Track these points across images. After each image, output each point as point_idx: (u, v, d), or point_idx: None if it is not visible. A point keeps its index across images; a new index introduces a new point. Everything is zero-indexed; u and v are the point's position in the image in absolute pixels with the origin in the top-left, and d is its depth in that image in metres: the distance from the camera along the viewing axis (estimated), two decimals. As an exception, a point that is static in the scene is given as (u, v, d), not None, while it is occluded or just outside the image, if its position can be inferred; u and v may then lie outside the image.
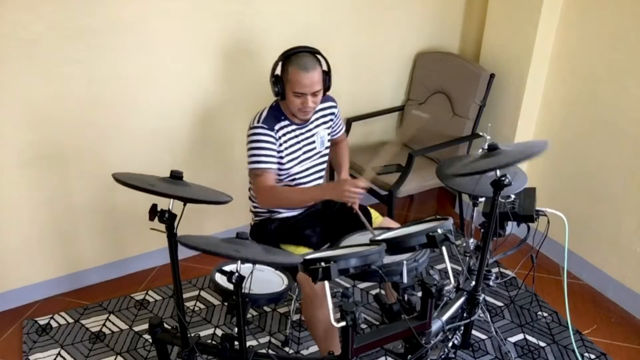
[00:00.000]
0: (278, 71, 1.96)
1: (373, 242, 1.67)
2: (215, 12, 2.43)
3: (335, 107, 2.17)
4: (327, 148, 2.17)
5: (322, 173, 2.19)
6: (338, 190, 1.89)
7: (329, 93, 2.11)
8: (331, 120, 2.16)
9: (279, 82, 1.95)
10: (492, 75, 2.80)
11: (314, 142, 2.10)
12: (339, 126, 2.24)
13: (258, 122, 1.98)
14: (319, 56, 1.95)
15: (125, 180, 1.50)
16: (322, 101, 2.08)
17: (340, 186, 1.89)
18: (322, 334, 1.97)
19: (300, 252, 1.97)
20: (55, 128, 2.32)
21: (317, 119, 2.10)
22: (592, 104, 2.53)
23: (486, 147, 1.69)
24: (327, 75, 1.99)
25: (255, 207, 2.18)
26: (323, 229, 2.14)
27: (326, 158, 2.20)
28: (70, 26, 2.17)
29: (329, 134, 2.17)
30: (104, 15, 2.21)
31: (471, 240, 2.05)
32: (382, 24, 2.89)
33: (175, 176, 1.64)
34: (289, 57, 1.92)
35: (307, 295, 1.90)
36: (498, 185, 1.67)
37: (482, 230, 1.86)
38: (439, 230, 1.57)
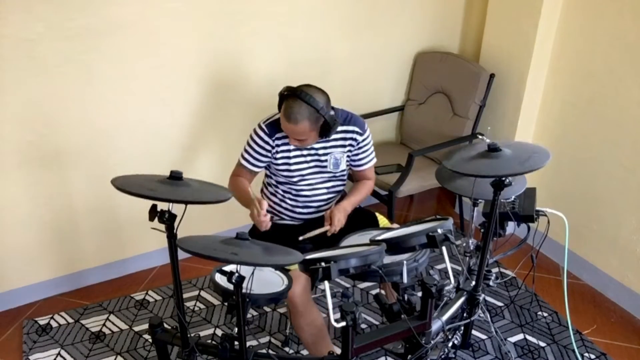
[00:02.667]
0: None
1: (373, 242, 1.67)
2: (216, 12, 2.43)
3: (360, 134, 2.01)
4: (342, 172, 2.08)
5: (331, 196, 2.11)
6: (250, 212, 1.85)
7: (351, 109, 2.05)
8: (351, 145, 2.03)
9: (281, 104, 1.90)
10: (492, 75, 2.80)
11: (325, 160, 2.03)
12: (362, 157, 2.08)
13: (264, 122, 1.99)
14: (315, 105, 1.81)
15: (125, 188, 1.50)
16: (349, 123, 2.00)
17: (251, 210, 1.84)
18: (309, 340, 1.97)
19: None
20: (55, 128, 2.32)
21: (334, 139, 2.01)
22: (592, 104, 2.53)
23: (486, 147, 1.69)
24: (325, 124, 1.85)
25: None
26: (320, 237, 2.11)
27: (341, 182, 2.12)
28: (70, 26, 2.17)
29: (348, 158, 2.06)
30: (103, 15, 2.21)
31: (471, 240, 2.05)
32: (382, 24, 2.89)
33: (175, 176, 1.63)
34: (287, 96, 1.83)
35: (290, 308, 1.90)
36: (498, 185, 1.67)
37: (482, 230, 1.86)
38: (439, 230, 1.57)
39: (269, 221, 1.83)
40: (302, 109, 1.80)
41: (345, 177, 2.13)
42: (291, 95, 1.83)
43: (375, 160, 2.15)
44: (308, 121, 1.82)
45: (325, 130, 1.88)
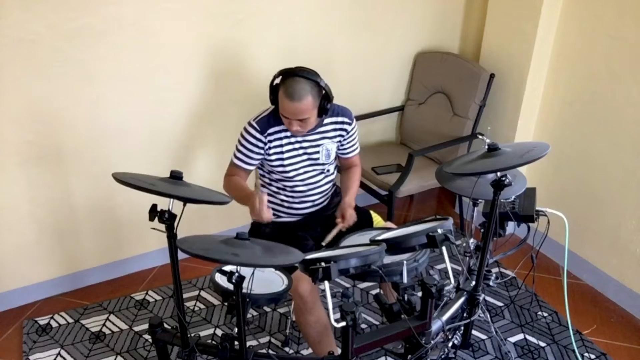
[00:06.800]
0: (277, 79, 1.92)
1: (373, 242, 1.67)
2: (215, 12, 2.43)
3: (349, 124, 2.07)
4: (333, 162, 2.13)
5: (326, 187, 2.14)
6: (249, 206, 1.84)
7: (349, 107, 2.09)
8: (341, 136, 2.08)
9: (274, 94, 1.90)
10: (492, 75, 2.80)
11: (317, 152, 2.05)
12: (351, 145, 2.15)
13: (254, 120, 1.99)
14: (315, 79, 1.84)
15: (125, 180, 1.50)
16: (338, 114, 2.04)
17: (251, 203, 1.82)
18: (316, 338, 1.97)
19: None
20: (55, 128, 2.32)
21: (325, 131, 2.04)
22: (592, 104, 2.53)
23: (486, 147, 1.69)
24: (324, 98, 1.88)
25: None
26: (320, 232, 2.13)
27: (331, 173, 2.16)
28: (70, 26, 2.17)
29: (337, 149, 2.12)
30: (103, 15, 2.21)
31: (471, 240, 2.05)
32: (382, 24, 2.89)
33: (175, 176, 1.63)
34: (286, 77, 1.85)
35: (296, 301, 1.91)
36: (498, 185, 1.67)
37: (482, 230, 1.86)
38: (439, 230, 1.57)
39: (271, 215, 1.83)
40: (302, 84, 1.82)
41: (334, 168, 2.17)
42: (288, 76, 1.84)
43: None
44: (311, 96, 1.84)
45: (323, 108, 1.90)
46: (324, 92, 1.87)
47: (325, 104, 1.89)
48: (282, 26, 2.61)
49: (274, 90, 1.91)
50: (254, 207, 1.79)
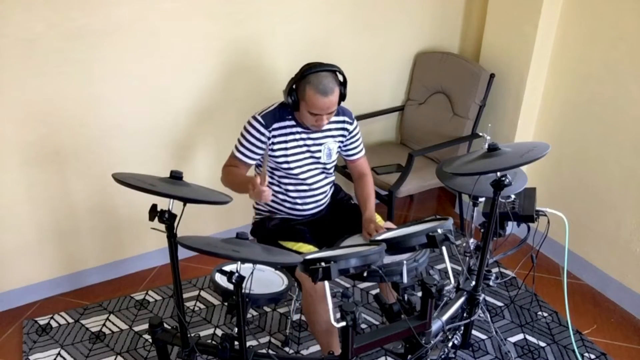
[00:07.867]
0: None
1: (373, 242, 1.67)
2: (216, 12, 2.43)
3: (349, 123, 2.09)
4: (333, 162, 2.13)
5: (327, 187, 2.15)
6: (250, 187, 1.78)
7: (349, 108, 2.10)
8: (342, 135, 2.10)
9: (293, 95, 1.90)
10: (492, 75, 2.80)
11: (319, 151, 2.06)
12: (354, 147, 2.16)
13: (259, 114, 1.99)
14: (334, 69, 1.88)
15: (125, 181, 1.50)
16: (339, 114, 2.05)
17: (252, 182, 1.76)
18: (324, 329, 1.96)
19: (299, 248, 1.96)
20: (54, 128, 2.32)
21: (328, 129, 2.05)
22: (592, 104, 2.53)
23: (486, 147, 1.69)
24: (343, 86, 1.92)
25: (257, 204, 2.18)
26: (323, 231, 2.13)
27: (332, 174, 2.17)
28: (70, 26, 2.17)
29: (339, 149, 2.12)
30: (103, 15, 2.21)
31: (471, 240, 2.05)
32: (383, 24, 2.89)
33: (175, 176, 1.63)
34: (308, 75, 1.85)
35: (307, 291, 1.90)
36: (498, 185, 1.67)
37: (482, 230, 1.86)
38: (439, 230, 1.57)
39: (271, 194, 1.80)
40: (329, 78, 1.85)
41: (332, 169, 2.17)
42: (309, 74, 1.84)
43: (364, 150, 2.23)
44: (337, 85, 1.88)
45: (343, 95, 1.92)
46: (342, 78, 1.90)
47: (344, 90, 1.93)
48: (283, 26, 2.61)
49: (292, 92, 1.89)
50: (255, 184, 1.73)
